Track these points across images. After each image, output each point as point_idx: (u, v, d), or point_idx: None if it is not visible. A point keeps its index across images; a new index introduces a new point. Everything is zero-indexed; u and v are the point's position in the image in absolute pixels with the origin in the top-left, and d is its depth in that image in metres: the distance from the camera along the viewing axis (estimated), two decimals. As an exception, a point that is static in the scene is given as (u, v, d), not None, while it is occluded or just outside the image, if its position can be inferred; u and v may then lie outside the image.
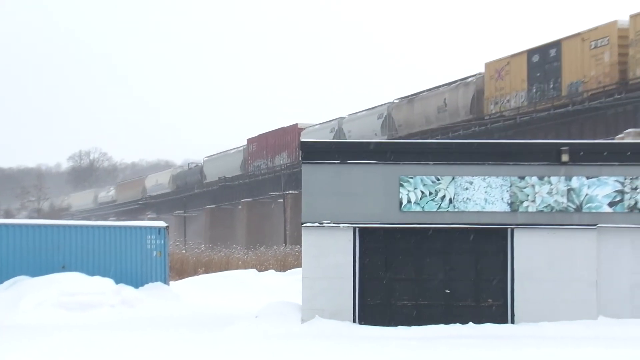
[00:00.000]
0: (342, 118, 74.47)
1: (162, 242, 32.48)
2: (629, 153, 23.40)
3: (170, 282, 34.28)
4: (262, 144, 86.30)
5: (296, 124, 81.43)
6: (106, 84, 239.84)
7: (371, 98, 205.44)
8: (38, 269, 30.20)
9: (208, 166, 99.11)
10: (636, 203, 23.05)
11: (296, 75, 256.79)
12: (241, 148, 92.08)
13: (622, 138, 42.90)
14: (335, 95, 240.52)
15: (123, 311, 27.98)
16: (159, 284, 32.13)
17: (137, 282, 31.61)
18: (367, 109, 71.26)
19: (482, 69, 58.26)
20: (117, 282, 30.35)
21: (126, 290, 29.95)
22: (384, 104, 68.39)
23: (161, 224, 33.48)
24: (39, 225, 31.94)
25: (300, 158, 24.08)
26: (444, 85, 61.88)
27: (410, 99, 64.72)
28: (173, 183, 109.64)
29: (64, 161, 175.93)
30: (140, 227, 32.85)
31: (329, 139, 70.38)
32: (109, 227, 32.88)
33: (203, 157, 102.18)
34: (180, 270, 44.67)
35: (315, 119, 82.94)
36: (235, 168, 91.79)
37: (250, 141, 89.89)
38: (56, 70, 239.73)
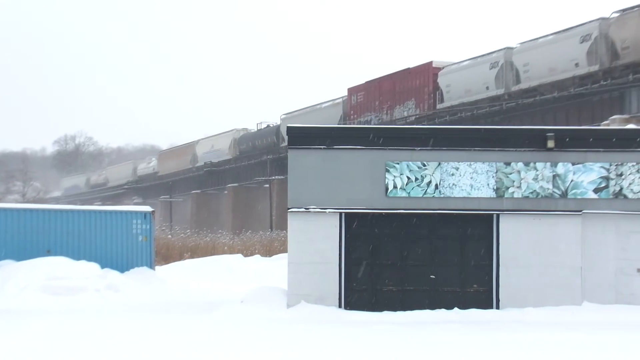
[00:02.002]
0: (510, 48, 56.06)
1: (148, 226, 32.45)
2: (614, 139, 23.46)
3: (156, 267, 34.28)
4: (372, 94, 68.89)
5: (430, 62, 64.17)
6: (92, 67, 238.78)
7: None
8: (23, 253, 30.12)
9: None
10: (621, 189, 23.13)
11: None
12: (339, 100, 74.86)
13: (608, 124, 43.13)
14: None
15: (108, 296, 27.95)
16: (145, 268, 32.11)
17: (122, 266, 31.56)
18: (558, 32, 52.04)
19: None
20: (103, 266, 30.34)
21: (112, 274, 29.92)
22: (590, 22, 49.72)
23: (147, 208, 33.46)
24: (24, 209, 31.80)
25: (287, 143, 24.05)
26: None
27: None
28: (236, 148, 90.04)
29: (49, 145, 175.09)
30: (126, 212, 32.79)
31: (489, 77, 56.50)
32: (95, 211, 32.82)
33: (280, 115, 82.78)
34: (166, 255, 44.71)
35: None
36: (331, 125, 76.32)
37: (352, 91, 72.50)
38: (42, 53, 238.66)
